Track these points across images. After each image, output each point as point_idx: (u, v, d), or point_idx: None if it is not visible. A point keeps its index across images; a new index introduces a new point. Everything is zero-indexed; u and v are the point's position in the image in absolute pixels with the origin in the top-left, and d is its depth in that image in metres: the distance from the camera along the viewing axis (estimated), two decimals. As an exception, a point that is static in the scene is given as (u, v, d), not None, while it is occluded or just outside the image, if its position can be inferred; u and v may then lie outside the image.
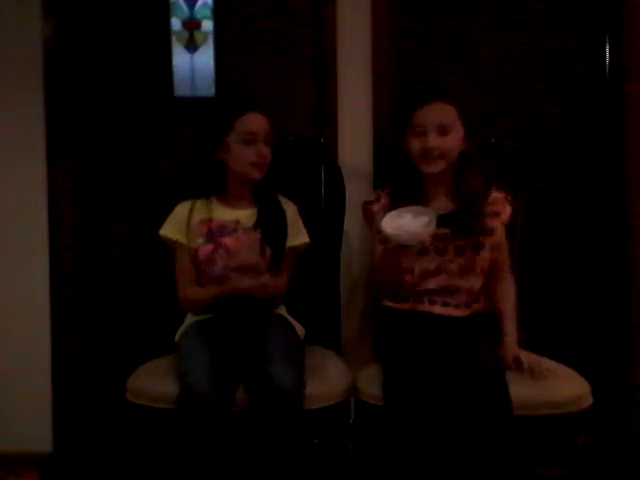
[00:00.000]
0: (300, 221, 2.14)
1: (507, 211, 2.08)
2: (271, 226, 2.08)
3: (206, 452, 1.76)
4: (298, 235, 2.12)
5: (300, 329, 2.12)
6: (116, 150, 2.48)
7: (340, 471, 2.01)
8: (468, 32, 2.48)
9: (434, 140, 1.98)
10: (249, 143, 2.06)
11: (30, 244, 2.46)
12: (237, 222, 2.08)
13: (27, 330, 2.48)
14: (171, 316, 2.12)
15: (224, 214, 2.09)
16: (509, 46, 2.49)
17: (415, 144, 2.01)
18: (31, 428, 2.49)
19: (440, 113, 2.00)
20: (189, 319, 2.10)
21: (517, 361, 1.90)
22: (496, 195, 2.07)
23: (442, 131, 1.99)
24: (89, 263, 2.50)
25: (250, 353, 1.89)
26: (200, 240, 2.06)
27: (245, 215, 2.09)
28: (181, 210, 2.11)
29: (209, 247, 2.05)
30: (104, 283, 2.50)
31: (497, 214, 2.06)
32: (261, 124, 2.08)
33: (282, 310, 2.14)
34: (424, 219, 1.83)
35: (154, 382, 1.95)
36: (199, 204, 2.10)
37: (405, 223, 1.83)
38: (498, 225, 2.06)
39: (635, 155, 2.47)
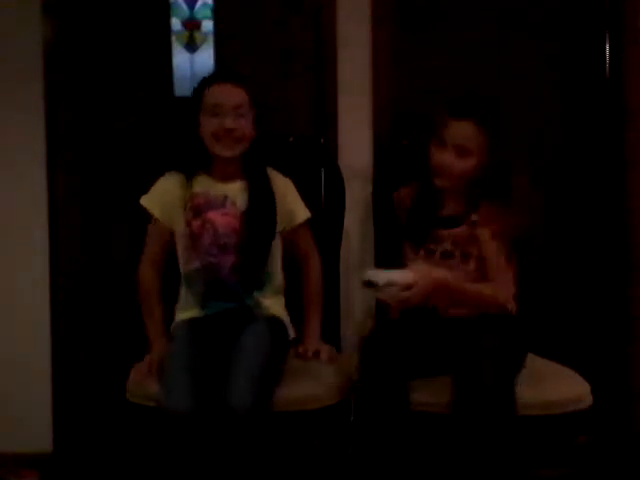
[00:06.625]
0: (298, 196, 2.12)
1: (497, 224, 1.96)
2: (260, 206, 2.04)
3: (198, 459, 1.75)
4: (301, 211, 2.11)
5: (292, 330, 2.09)
6: (116, 150, 2.48)
7: (340, 471, 2.01)
8: (468, 30, 2.49)
9: (455, 161, 1.93)
10: (214, 115, 1.99)
11: (30, 244, 2.46)
12: (225, 197, 2.04)
13: (27, 330, 2.48)
14: (170, 316, 2.12)
15: (212, 188, 2.05)
16: (509, 47, 2.50)
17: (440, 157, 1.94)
18: (31, 428, 2.49)
19: (462, 132, 1.93)
20: (177, 317, 2.09)
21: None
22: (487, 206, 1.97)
23: (460, 151, 1.93)
24: (89, 263, 2.50)
25: (223, 364, 1.84)
26: (189, 214, 2.04)
27: (234, 189, 2.05)
28: (167, 184, 2.08)
29: (198, 222, 2.03)
30: (104, 283, 2.50)
31: (484, 225, 1.96)
32: (229, 95, 1.99)
33: (279, 307, 2.11)
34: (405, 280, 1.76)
35: (154, 382, 1.94)
36: (185, 178, 2.06)
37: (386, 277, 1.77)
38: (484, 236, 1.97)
39: (635, 155, 2.47)
